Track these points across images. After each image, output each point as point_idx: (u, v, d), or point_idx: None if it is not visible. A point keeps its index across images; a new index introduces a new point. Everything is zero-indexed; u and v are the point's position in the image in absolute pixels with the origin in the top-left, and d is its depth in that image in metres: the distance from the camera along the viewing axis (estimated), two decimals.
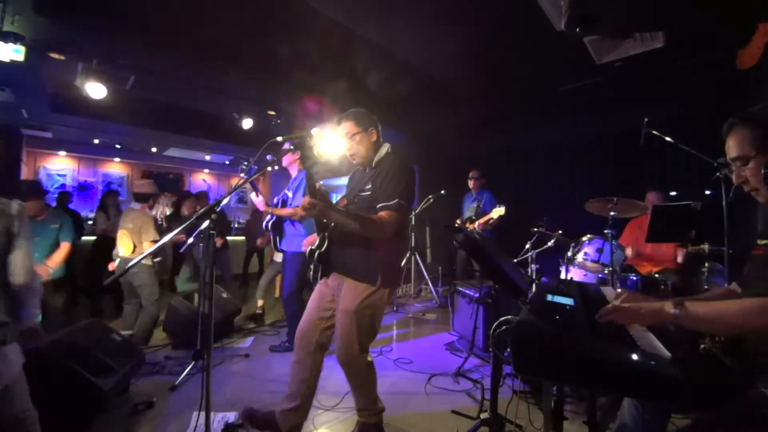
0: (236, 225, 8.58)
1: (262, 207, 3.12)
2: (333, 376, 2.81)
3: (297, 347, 2.02)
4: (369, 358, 1.93)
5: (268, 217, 3.19)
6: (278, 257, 4.43)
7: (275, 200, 3.25)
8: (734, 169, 1.13)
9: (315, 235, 2.02)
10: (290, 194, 3.14)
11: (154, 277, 3.26)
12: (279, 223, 3.17)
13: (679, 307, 1.00)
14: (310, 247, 1.97)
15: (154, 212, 3.49)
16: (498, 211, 4.07)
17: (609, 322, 1.11)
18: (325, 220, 1.86)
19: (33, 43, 3.26)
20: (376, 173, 1.87)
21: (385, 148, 1.96)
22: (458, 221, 4.77)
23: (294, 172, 3.23)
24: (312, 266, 1.94)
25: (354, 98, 4.14)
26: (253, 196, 3.14)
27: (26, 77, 4.06)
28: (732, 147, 1.11)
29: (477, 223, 4.32)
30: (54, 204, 4.95)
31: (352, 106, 2.03)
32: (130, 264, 1.52)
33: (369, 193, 1.86)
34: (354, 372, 1.90)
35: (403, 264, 2.19)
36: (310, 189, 1.71)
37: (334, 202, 1.95)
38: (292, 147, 2.77)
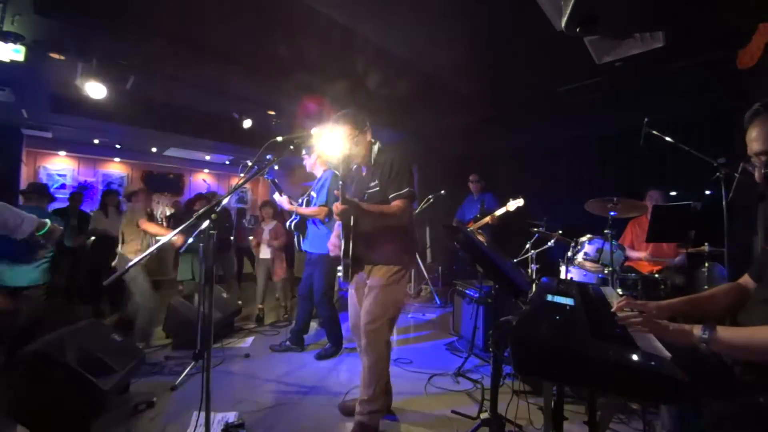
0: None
1: (286, 206, 3.11)
2: (334, 375, 2.82)
3: (357, 339, 2.17)
4: (390, 336, 2.06)
5: (292, 216, 3.18)
6: (264, 254, 4.40)
7: (299, 201, 3.25)
8: (757, 164, 1.02)
9: (335, 238, 2.19)
10: (314, 194, 3.14)
11: (143, 272, 3.26)
12: (302, 223, 3.16)
13: (708, 331, 0.95)
14: (337, 251, 2.12)
15: (154, 212, 3.55)
16: (516, 203, 3.99)
17: (609, 321, 1.11)
18: (351, 223, 2.03)
19: (33, 43, 3.25)
20: (377, 169, 2.04)
21: (377, 145, 2.12)
22: (454, 223, 4.74)
23: (318, 172, 3.24)
24: (342, 265, 2.05)
25: (354, 98, 4.14)
26: (276, 195, 3.13)
27: (26, 77, 4.05)
28: (756, 140, 1.00)
29: (491, 216, 4.20)
30: (66, 204, 4.99)
31: (352, 106, 2.04)
32: (131, 264, 1.52)
33: (377, 189, 2.02)
34: (373, 346, 1.98)
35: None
36: (342, 194, 1.86)
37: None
38: (307, 153, 3.02)
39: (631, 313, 1.10)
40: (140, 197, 3.48)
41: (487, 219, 4.16)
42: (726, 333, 0.95)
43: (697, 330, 0.97)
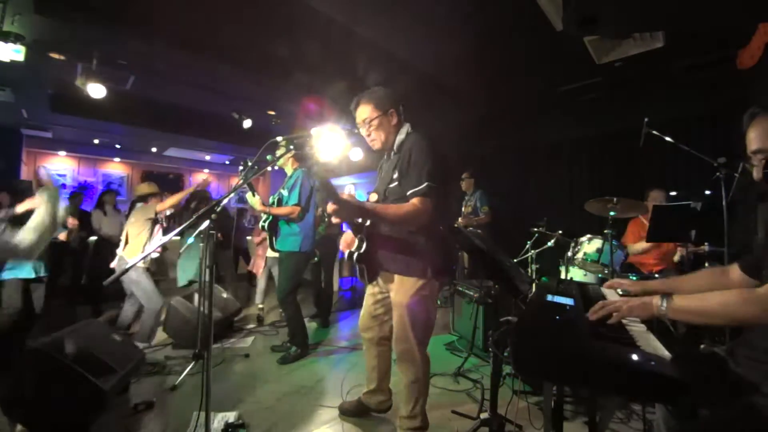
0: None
1: (258, 207, 3.11)
2: (334, 375, 2.82)
3: (363, 340, 2.15)
4: (427, 355, 1.86)
5: (264, 217, 3.17)
6: (269, 254, 4.39)
7: (270, 200, 3.25)
8: (755, 162, 1.06)
9: (350, 234, 1.97)
10: (286, 193, 3.12)
11: (145, 274, 3.26)
12: (274, 223, 3.15)
13: (666, 300, 1.02)
14: (348, 250, 1.93)
15: None
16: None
17: (608, 322, 1.11)
18: (360, 221, 1.82)
19: (33, 43, 3.26)
20: (400, 159, 1.77)
21: (405, 128, 1.85)
22: (459, 220, 4.81)
23: (289, 170, 3.22)
24: (357, 267, 1.91)
25: (353, 98, 4.14)
26: (249, 196, 3.12)
27: (26, 77, 4.06)
28: (754, 139, 1.05)
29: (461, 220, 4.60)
30: (66, 204, 4.98)
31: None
32: (129, 265, 1.52)
33: (397, 183, 1.76)
34: (408, 366, 1.82)
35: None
36: (329, 192, 1.58)
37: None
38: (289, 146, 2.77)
39: (596, 308, 1.13)
40: (155, 201, 3.50)
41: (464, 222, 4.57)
42: (682, 301, 1.01)
43: (657, 300, 1.04)
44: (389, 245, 1.80)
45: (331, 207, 1.55)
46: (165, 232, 3.55)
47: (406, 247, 1.76)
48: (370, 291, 2.04)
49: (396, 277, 1.80)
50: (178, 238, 4.23)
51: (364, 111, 1.84)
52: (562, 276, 3.22)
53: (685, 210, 2.54)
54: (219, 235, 4.08)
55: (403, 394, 1.87)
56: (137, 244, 3.26)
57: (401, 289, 1.78)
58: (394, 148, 1.84)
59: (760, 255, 1.19)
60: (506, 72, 4.06)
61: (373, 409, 2.18)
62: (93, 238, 5.01)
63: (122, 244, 3.32)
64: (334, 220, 1.64)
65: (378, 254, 1.84)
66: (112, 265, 3.36)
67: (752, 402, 0.96)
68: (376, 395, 2.16)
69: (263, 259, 4.40)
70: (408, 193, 1.68)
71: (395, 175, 1.77)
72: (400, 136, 1.84)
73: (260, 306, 4.29)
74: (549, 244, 3.55)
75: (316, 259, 4.24)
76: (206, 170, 9.38)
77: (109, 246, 3.70)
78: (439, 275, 1.80)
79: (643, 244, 3.27)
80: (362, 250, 1.85)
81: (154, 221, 3.41)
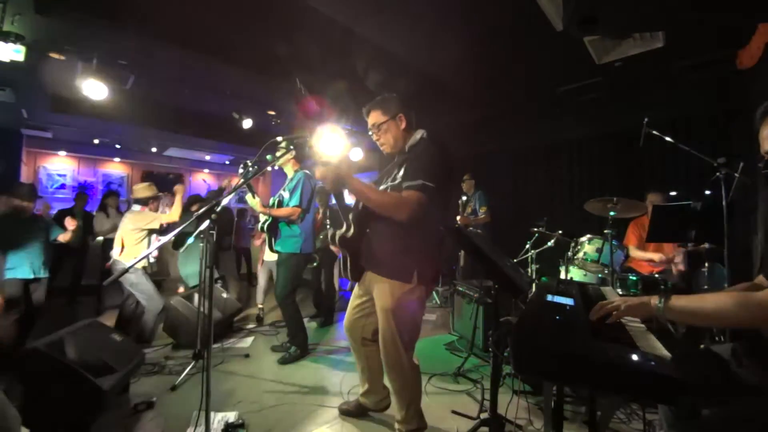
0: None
1: (258, 208, 3.10)
2: (334, 375, 2.82)
3: (349, 341, 2.14)
4: (415, 361, 1.84)
5: (264, 218, 3.17)
6: (270, 256, 4.40)
7: (270, 201, 3.24)
8: None
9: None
10: (286, 194, 3.12)
11: (144, 276, 3.25)
12: (274, 224, 3.15)
13: (664, 300, 1.02)
14: (336, 231, 1.89)
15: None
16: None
17: (607, 321, 1.11)
18: (349, 192, 1.80)
19: (33, 43, 3.25)
20: (406, 159, 1.77)
21: (420, 134, 1.86)
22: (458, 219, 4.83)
23: (290, 172, 3.22)
24: (340, 258, 1.93)
25: (354, 98, 4.14)
26: (249, 197, 3.11)
27: (26, 77, 4.06)
28: (766, 138, 1.00)
29: (460, 219, 4.65)
30: (72, 205, 5.02)
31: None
32: (129, 265, 1.52)
33: (399, 180, 1.73)
34: (395, 373, 1.81)
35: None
36: (320, 162, 1.68)
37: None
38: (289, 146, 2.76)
39: (596, 308, 1.13)
40: (156, 204, 3.49)
41: (461, 219, 4.61)
42: (679, 301, 1.01)
43: (655, 300, 1.04)
44: (380, 244, 1.77)
45: (320, 170, 1.66)
46: (164, 232, 3.54)
47: (396, 249, 1.72)
48: (356, 292, 2.04)
49: (382, 280, 1.75)
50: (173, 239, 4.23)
51: (373, 117, 1.90)
52: (562, 276, 3.22)
53: (685, 210, 2.54)
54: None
55: (394, 399, 1.88)
56: (136, 252, 3.23)
57: (387, 292, 1.73)
58: (406, 149, 1.85)
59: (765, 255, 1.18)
60: (506, 72, 4.05)
61: (372, 409, 2.18)
62: (99, 238, 5.03)
63: (117, 248, 3.29)
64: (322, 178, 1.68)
65: (367, 251, 1.83)
66: (107, 266, 3.36)
67: (755, 403, 0.96)
68: (371, 395, 2.16)
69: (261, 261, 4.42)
70: (405, 185, 1.66)
71: (399, 174, 1.76)
72: (414, 139, 1.86)
73: (260, 306, 4.29)
74: (549, 244, 3.55)
75: (315, 264, 4.25)
76: (206, 170, 9.39)
77: (110, 247, 3.73)
78: (427, 282, 1.76)
79: (648, 254, 3.26)
80: (349, 235, 1.83)
81: (153, 231, 3.39)
